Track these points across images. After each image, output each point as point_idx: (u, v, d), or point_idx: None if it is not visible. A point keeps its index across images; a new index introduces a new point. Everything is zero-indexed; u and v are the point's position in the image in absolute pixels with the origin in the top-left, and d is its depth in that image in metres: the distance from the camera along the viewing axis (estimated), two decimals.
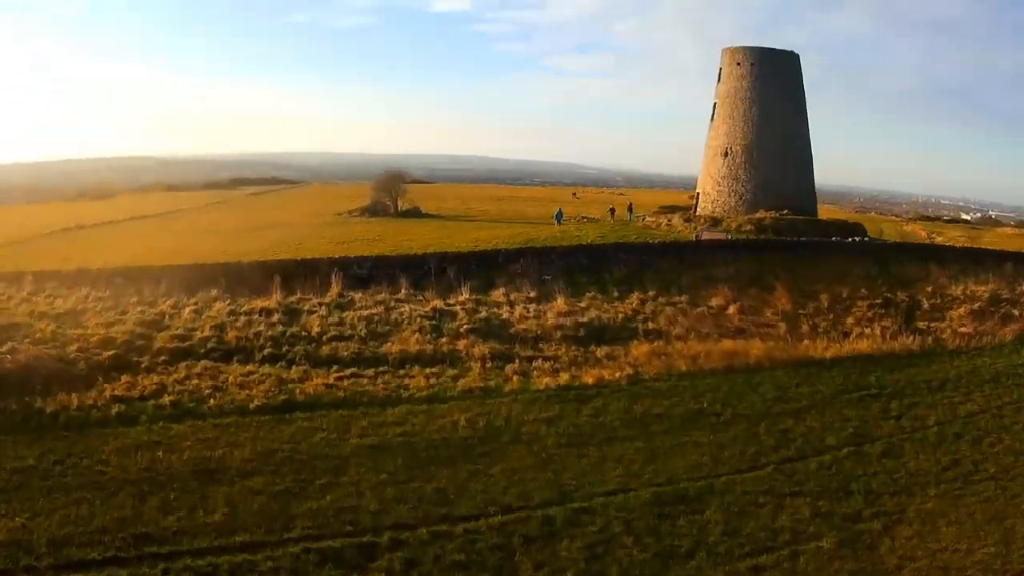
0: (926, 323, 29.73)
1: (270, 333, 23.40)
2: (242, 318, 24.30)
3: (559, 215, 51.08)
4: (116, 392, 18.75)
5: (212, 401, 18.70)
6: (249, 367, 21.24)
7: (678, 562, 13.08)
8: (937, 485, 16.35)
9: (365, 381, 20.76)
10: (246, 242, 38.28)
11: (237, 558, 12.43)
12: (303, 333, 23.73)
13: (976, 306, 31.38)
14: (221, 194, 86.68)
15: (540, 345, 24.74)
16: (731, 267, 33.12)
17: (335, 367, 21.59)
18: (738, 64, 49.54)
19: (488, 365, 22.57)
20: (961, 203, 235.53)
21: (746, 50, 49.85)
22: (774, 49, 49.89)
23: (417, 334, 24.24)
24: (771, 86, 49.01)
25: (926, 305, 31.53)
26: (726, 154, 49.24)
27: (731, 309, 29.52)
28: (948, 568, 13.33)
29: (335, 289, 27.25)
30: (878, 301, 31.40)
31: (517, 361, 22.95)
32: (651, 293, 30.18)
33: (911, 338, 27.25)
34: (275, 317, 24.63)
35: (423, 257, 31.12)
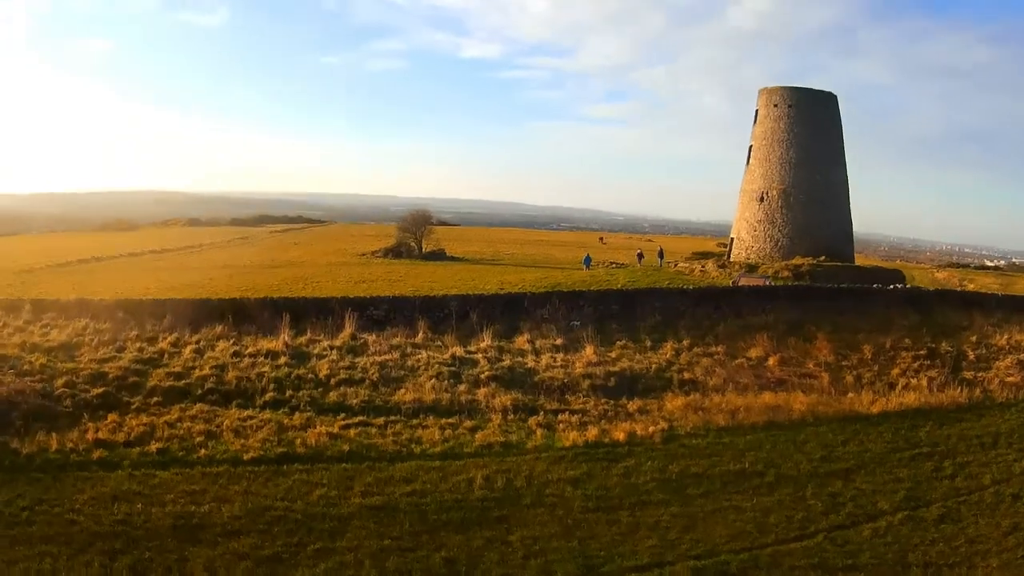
0: (972, 373, 28.22)
1: (274, 375, 22.21)
2: (246, 359, 22.84)
3: (587, 260, 49.62)
4: (100, 435, 17.75)
5: (203, 450, 17.63)
6: (248, 412, 20.14)
7: None
8: (999, 554, 14.99)
9: (374, 431, 19.46)
10: (260, 278, 37.29)
11: None
12: (310, 376, 22.48)
13: (1023, 356, 29.78)
14: (244, 231, 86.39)
15: (567, 396, 23.33)
16: (769, 315, 31.83)
17: (342, 415, 20.35)
18: (775, 105, 48.13)
19: (510, 417, 21.18)
20: (984, 251, 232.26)
21: (783, 90, 48.55)
22: (811, 89, 48.61)
23: (433, 380, 22.87)
24: (808, 127, 47.53)
25: (971, 355, 30.13)
26: (762, 199, 47.54)
27: (771, 360, 27.92)
28: None
29: (348, 330, 25.84)
30: (922, 351, 29.91)
31: (541, 413, 21.56)
32: (686, 342, 28.69)
33: (959, 390, 25.77)
34: (281, 360, 23.30)
35: (444, 299, 29.60)
